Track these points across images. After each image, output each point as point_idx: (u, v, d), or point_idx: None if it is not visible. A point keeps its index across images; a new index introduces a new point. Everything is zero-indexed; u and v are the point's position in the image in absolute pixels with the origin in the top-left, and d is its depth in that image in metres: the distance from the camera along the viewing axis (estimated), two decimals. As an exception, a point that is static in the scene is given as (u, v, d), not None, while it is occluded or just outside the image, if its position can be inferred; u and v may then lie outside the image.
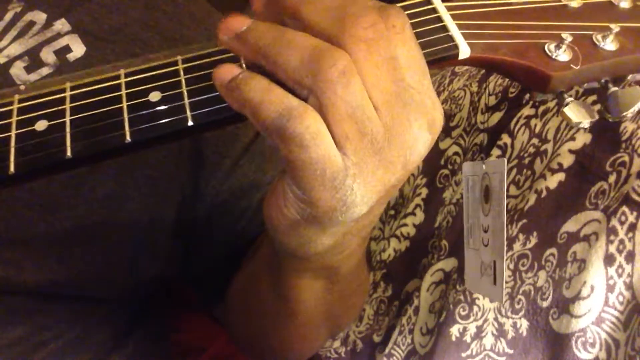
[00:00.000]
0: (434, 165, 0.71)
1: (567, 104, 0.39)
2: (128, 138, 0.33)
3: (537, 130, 0.58)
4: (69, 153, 0.33)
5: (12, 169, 0.32)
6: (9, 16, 0.55)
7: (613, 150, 0.50)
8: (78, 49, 0.54)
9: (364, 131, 0.30)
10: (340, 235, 0.35)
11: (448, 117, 0.72)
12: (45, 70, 0.53)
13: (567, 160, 0.53)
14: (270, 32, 0.31)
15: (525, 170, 0.58)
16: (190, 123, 0.33)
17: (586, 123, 0.39)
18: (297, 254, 0.37)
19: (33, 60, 0.53)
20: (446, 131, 0.72)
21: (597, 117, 0.39)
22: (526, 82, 0.39)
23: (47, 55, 0.53)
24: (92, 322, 0.58)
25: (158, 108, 0.34)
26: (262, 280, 0.49)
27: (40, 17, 0.55)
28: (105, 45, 0.55)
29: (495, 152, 0.61)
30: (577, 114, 0.39)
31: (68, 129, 0.33)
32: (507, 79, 0.66)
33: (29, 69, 0.52)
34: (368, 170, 0.31)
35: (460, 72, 0.77)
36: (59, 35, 0.54)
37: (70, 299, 0.55)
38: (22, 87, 0.36)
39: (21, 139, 0.33)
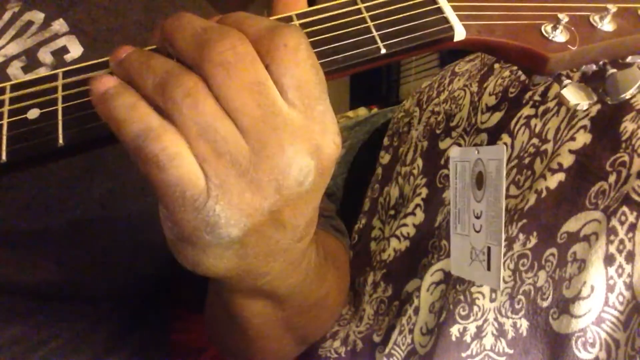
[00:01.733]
0: (434, 165, 0.71)
1: (565, 86, 0.39)
2: None
3: (537, 130, 0.58)
4: (60, 141, 0.33)
5: (3, 157, 0.32)
6: (7, 16, 0.55)
7: (613, 150, 0.50)
8: (75, 50, 0.54)
9: (219, 152, 0.30)
10: (234, 259, 0.34)
11: (448, 117, 0.72)
12: (42, 71, 0.53)
13: (567, 160, 0.53)
14: (138, 58, 0.32)
15: (525, 170, 0.58)
16: None
17: (584, 105, 0.39)
18: (205, 275, 0.36)
19: (30, 60, 0.53)
20: (446, 131, 0.72)
21: (595, 99, 0.39)
22: (523, 64, 0.39)
23: (45, 55, 0.53)
24: (92, 321, 0.58)
25: None
26: (212, 294, 0.49)
27: (38, 17, 0.55)
28: (103, 46, 0.55)
29: (496, 152, 0.61)
30: (575, 95, 0.39)
31: (60, 117, 0.33)
32: (507, 79, 0.66)
33: (26, 69, 0.53)
34: (233, 192, 0.30)
35: (460, 72, 0.77)
36: (56, 36, 0.54)
37: (69, 298, 0.55)
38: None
39: (13, 127, 0.33)
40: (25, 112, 0.33)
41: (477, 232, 0.47)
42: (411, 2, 0.36)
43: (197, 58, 0.30)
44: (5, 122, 0.33)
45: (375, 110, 1.67)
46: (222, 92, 0.30)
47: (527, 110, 0.60)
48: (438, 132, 0.73)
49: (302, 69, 0.31)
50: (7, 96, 0.34)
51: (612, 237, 0.47)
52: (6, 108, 0.33)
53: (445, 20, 0.36)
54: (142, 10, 0.58)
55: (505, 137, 0.61)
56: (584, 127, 0.53)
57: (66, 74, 0.35)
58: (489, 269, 0.46)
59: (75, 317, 0.56)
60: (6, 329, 0.52)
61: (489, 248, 0.46)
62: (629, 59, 0.40)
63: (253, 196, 0.31)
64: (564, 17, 0.37)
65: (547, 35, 0.38)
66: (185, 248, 0.33)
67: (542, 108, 0.59)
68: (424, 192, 0.70)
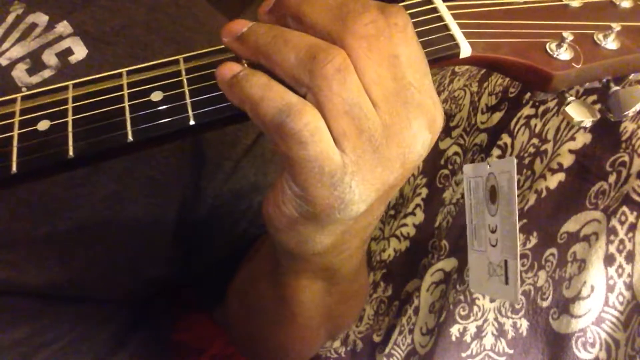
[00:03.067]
0: (434, 165, 0.71)
1: (568, 103, 0.39)
2: (130, 137, 0.33)
3: (537, 130, 0.58)
4: (71, 152, 0.33)
5: (14, 168, 0.32)
6: (10, 18, 0.55)
7: (613, 150, 0.50)
8: (80, 52, 0.54)
9: (361, 128, 0.30)
10: (339, 234, 0.35)
11: (448, 117, 0.72)
12: (47, 73, 0.53)
13: (567, 160, 0.53)
14: (268, 32, 0.32)
15: (525, 170, 0.58)
16: (191, 122, 0.34)
17: (588, 122, 0.39)
18: (297, 254, 0.37)
19: (35, 62, 0.53)
20: (446, 131, 0.72)
21: (598, 116, 0.39)
22: (527, 81, 0.39)
23: (49, 57, 0.53)
24: (94, 322, 0.58)
25: (160, 107, 0.34)
26: (262, 281, 0.49)
27: (42, 19, 0.55)
28: (107, 47, 0.54)
29: (496, 152, 0.61)
30: (578, 113, 0.39)
31: (70, 129, 0.33)
32: (507, 79, 0.66)
33: (30, 72, 0.52)
34: (366, 168, 0.31)
35: (460, 72, 0.77)
36: (60, 38, 0.54)
37: (72, 300, 0.55)
38: (24, 89, 0.37)
39: (23, 138, 0.33)
40: (36, 124, 0.33)
41: (493, 246, 0.47)
42: (418, 19, 0.37)
43: (339, 31, 0.30)
44: (15, 133, 0.33)
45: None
46: (362, 65, 0.30)
47: (527, 110, 0.60)
48: (438, 132, 0.73)
49: (411, 46, 0.31)
50: (17, 107, 0.34)
51: (612, 237, 0.47)
52: (17, 119, 0.34)
53: (452, 38, 0.37)
54: (146, 10, 0.58)
55: (505, 137, 0.61)
56: (584, 127, 0.53)
57: (77, 86, 0.35)
58: (506, 282, 0.46)
59: (78, 318, 0.56)
60: (10, 331, 0.52)
61: (505, 261, 0.46)
62: (631, 77, 0.41)
63: (383, 171, 0.31)
64: (568, 36, 0.38)
65: (551, 53, 0.38)
66: (304, 226, 0.34)
67: (542, 108, 0.59)
68: (424, 192, 0.70)
